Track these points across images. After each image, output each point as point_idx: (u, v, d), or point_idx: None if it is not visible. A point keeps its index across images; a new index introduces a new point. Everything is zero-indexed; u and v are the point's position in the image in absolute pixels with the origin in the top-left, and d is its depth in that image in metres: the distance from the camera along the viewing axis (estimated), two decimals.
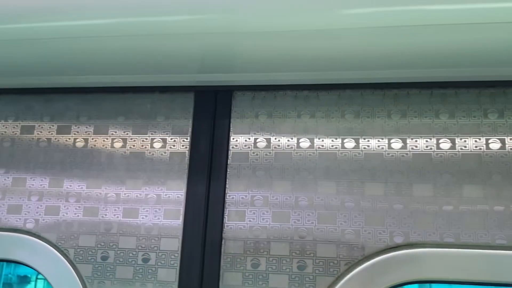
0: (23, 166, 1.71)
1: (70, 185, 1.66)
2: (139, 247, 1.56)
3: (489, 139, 1.48)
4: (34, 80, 1.71)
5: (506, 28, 1.27)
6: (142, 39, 1.42)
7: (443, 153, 1.48)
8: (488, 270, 1.38)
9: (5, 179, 1.71)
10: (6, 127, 1.77)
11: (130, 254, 1.56)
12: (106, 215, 1.61)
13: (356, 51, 1.41)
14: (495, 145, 1.47)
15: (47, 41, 1.46)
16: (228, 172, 1.59)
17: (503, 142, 1.47)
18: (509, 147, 1.46)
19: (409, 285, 1.43)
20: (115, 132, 1.69)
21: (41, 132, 1.75)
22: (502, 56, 1.40)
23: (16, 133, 1.76)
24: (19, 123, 1.77)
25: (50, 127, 1.74)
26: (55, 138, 1.73)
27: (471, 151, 1.47)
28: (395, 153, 1.51)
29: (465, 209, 1.43)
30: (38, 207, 1.66)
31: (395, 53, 1.41)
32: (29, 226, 1.65)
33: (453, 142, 1.49)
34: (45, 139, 1.73)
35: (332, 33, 1.34)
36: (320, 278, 1.45)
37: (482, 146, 1.47)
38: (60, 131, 1.73)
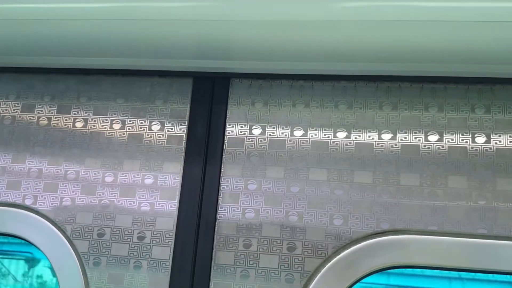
0: (23, 144, 1.75)
1: (69, 164, 1.71)
2: (135, 226, 1.61)
3: (475, 133, 1.54)
4: (36, 60, 1.75)
5: (495, 27, 1.33)
6: (143, 24, 1.46)
7: (431, 145, 1.55)
8: (469, 258, 1.45)
9: (4, 156, 1.75)
10: (7, 105, 1.81)
11: (126, 232, 1.61)
12: (103, 194, 1.66)
13: (352, 44, 1.47)
14: (480, 139, 1.53)
15: (49, 22, 1.50)
16: (223, 156, 1.64)
17: (488, 136, 1.53)
18: (494, 141, 1.53)
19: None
20: (114, 113, 1.74)
21: (41, 111, 1.78)
22: (491, 54, 1.46)
23: (16, 111, 1.80)
24: (20, 102, 1.81)
25: (50, 107, 1.78)
26: (55, 118, 1.77)
27: (457, 144, 1.54)
28: (384, 143, 1.57)
29: (449, 199, 1.50)
30: (37, 184, 1.70)
31: (389, 47, 1.46)
32: (28, 202, 1.69)
33: (440, 134, 1.55)
34: (45, 118, 1.77)
35: (329, 25, 1.39)
36: (308, 259, 1.51)
37: (468, 139, 1.54)
38: (60, 110, 1.77)
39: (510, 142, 1.52)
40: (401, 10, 1.33)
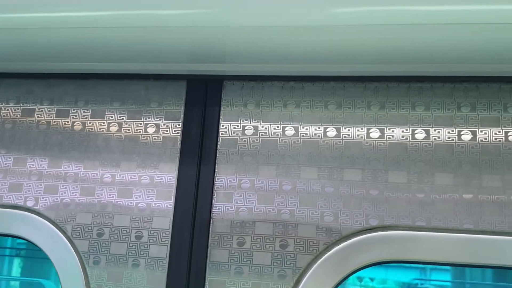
0: (24, 147, 1.81)
1: (68, 166, 1.76)
2: (133, 225, 1.67)
3: (461, 130, 1.58)
4: (35, 66, 1.80)
5: (480, 28, 1.37)
6: (138, 31, 1.51)
7: (418, 143, 1.59)
8: (456, 252, 1.50)
9: (6, 159, 1.81)
10: (7, 110, 1.87)
11: (124, 232, 1.67)
12: (102, 194, 1.71)
13: (340, 47, 1.50)
14: (466, 136, 1.57)
15: (48, 30, 1.54)
16: (217, 157, 1.69)
17: (474, 134, 1.57)
18: (480, 138, 1.57)
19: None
20: (111, 116, 1.79)
21: (41, 115, 1.84)
22: (476, 54, 1.49)
23: (17, 116, 1.85)
24: (20, 106, 1.86)
25: (49, 111, 1.84)
26: (54, 121, 1.82)
27: (444, 142, 1.58)
28: (373, 142, 1.61)
29: (436, 196, 1.54)
30: (37, 186, 1.76)
31: (376, 49, 1.50)
32: (29, 204, 1.75)
33: (427, 133, 1.59)
34: (45, 122, 1.83)
35: (318, 29, 1.43)
36: (300, 256, 1.56)
37: (455, 137, 1.58)
38: (59, 114, 1.83)
39: (495, 139, 1.56)
40: (388, 15, 1.37)
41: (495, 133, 1.56)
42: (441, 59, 1.53)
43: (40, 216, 1.73)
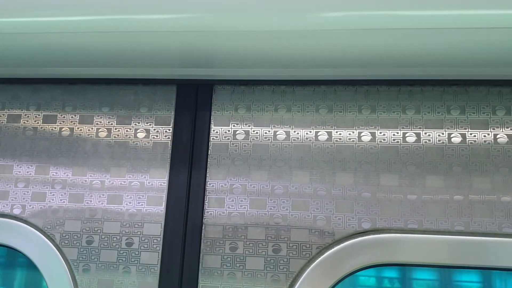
0: (10, 154, 1.77)
1: (56, 173, 1.73)
2: (123, 232, 1.64)
3: (451, 133, 1.60)
4: (21, 71, 1.77)
5: (469, 33, 1.38)
6: (127, 36, 1.49)
7: (409, 146, 1.60)
8: (448, 254, 1.50)
9: None
10: None
11: (114, 239, 1.64)
12: (91, 201, 1.69)
13: (331, 51, 1.51)
14: (456, 139, 1.59)
15: (35, 35, 1.52)
16: (208, 161, 1.68)
17: (463, 136, 1.59)
18: (469, 141, 1.58)
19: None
20: (100, 122, 1.76)
21: (27, 121, 1.81)
22: (465, 58, 1.51)
23: (2, 122, 1.82)
24: (6, 112, 1.83)
25: (36, 116, 1.81)
26: (41, 127, 1.79)
27: (434, 144, 1.59)
28: (364, 145, 1.62)
29: (427, 198, 1.55)
30: (24, 193, 1.73)
31: (366, 53, 1.50)
32: (16, 211, 1.71)
33: (418, 135, 1.60)
34: (31, 128, 1.80)
35: (308, 34, 1.43)
36: (293, 260, 1.56)
37: (445, 140, 1.59)
38: (46, 120, 1.80)
39: (485, 141, 1.57)
40: (378, 19, 1.37)
41: (484, 135, 1.58)
42: (430, 63, 1.54)
43: (27, 224, 1.69)
